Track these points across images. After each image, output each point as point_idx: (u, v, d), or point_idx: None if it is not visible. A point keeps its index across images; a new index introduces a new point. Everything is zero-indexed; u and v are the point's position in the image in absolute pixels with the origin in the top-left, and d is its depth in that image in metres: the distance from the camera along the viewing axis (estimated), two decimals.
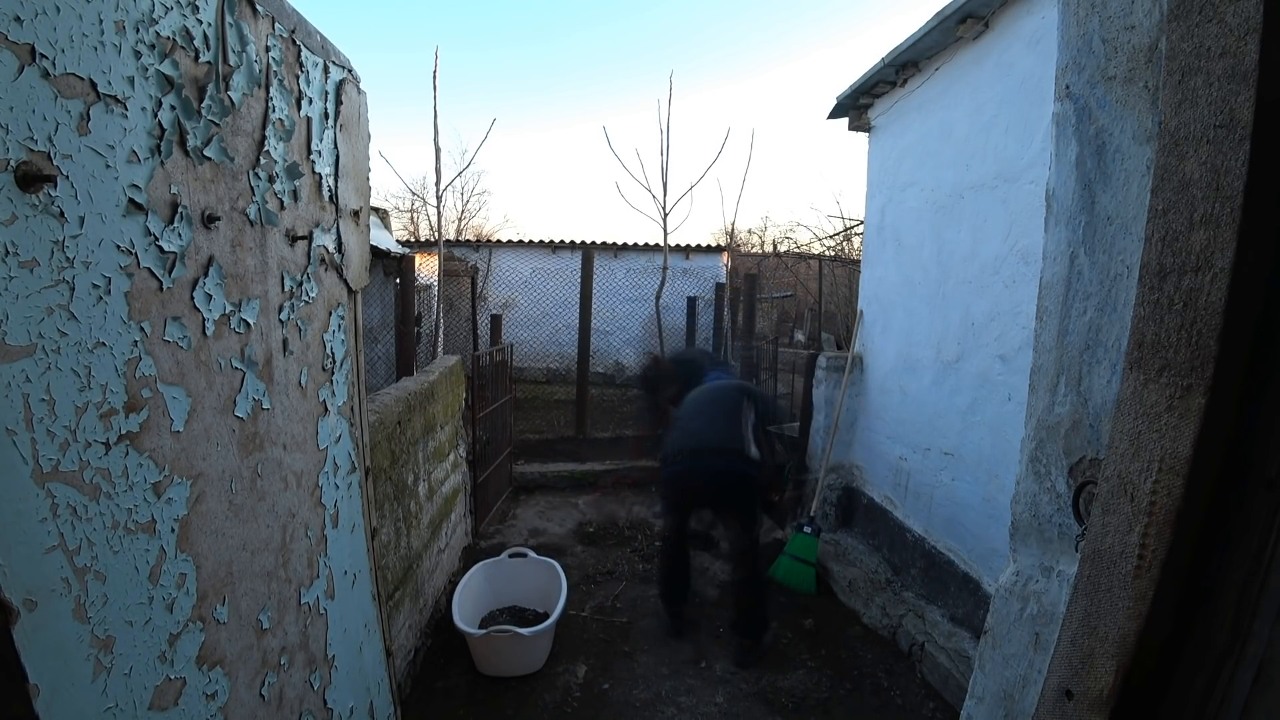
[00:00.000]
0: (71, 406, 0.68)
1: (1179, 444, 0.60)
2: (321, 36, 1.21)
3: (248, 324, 1.01)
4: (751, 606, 2.91)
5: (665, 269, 6.71)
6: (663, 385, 3.68)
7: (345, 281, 1.36)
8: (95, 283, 0.71)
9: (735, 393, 3.20)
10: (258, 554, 1.05)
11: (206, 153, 0.89)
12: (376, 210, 8.28)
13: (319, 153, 1.22)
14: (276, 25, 1.05)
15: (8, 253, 0.61)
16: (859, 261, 5.55)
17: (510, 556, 3.20)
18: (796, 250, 9.98)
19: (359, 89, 1.37)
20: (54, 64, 0.65)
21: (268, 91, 1.03)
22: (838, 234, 9.63)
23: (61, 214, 0.67)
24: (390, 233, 8.37)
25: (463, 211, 15.11)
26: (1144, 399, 0.64)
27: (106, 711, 0.73)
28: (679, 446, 2.98)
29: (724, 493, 2.95)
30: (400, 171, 30.28)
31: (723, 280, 8.54)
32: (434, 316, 6.67)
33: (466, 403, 3.91)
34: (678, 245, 9.35)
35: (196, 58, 0.86)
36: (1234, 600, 0.59)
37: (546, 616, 2.77)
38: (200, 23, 0.86)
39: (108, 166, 0.72)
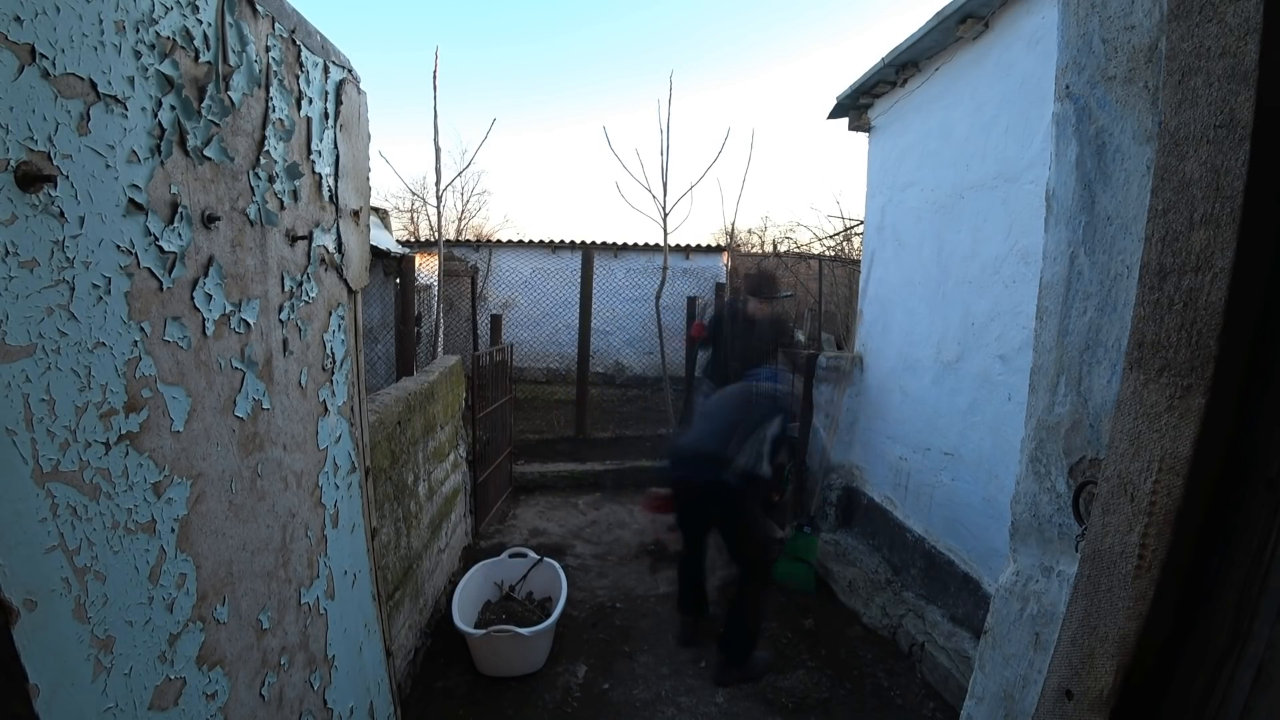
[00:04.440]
0: (71, 406, 0.68)
1: (1179, 444, 0.60)
2: (321, 36, 1.21)
3: (248, 324, 1.01)
4: (732, 624, 2.78)
5: (665, 269, 6.70)
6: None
7: (345, 281, 1.36)
8: (95, 283, 0.71)
9: (742, 394, 3.05)
10: (258, 554, 1.05)
11: (206, 153, 0.89)
12: (376, 210, 8.28)
13: (319, 153, 1.22)
14: (276, 25, 1.05)
15: (8, 253, 0.61)
16: (859, 261, 5.54)
17: (510, 556, 3.21)
18: (796, 250, 9.98)
19: (359, 89, 1.37)
20: (54, 64, 0.65)
21: (268, 91, 1.03)
22: (838, 234, 9.63)
23: (61, 214, 0.66)
24: (390, 233, 8.37)
25: (463, 211, 15.12)
26: (1144, 399, 0.64)
27: (106, 711, 0.73)
28: (670, 449, 2.99)
29: (707, 502, 2.83)
30: (400, 171, 30.31)
31: (723, 280, 8.53)
32: (434, 316, 6.67)
33: (466, 403, 3.91)
34: (678, 245, 9.34)
35: (196, 58, 0.86)
36: (1234, 600, 0.59)
37: (546, 615, 2.78)
38: (200, 23, 0.86)
39: (108, 166, 0.72)
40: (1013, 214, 2.60)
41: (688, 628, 3.03)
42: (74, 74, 0.67)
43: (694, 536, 3.03)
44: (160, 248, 0.81)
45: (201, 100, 0.87)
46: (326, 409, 1.29)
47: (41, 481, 0.65)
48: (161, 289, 0.81)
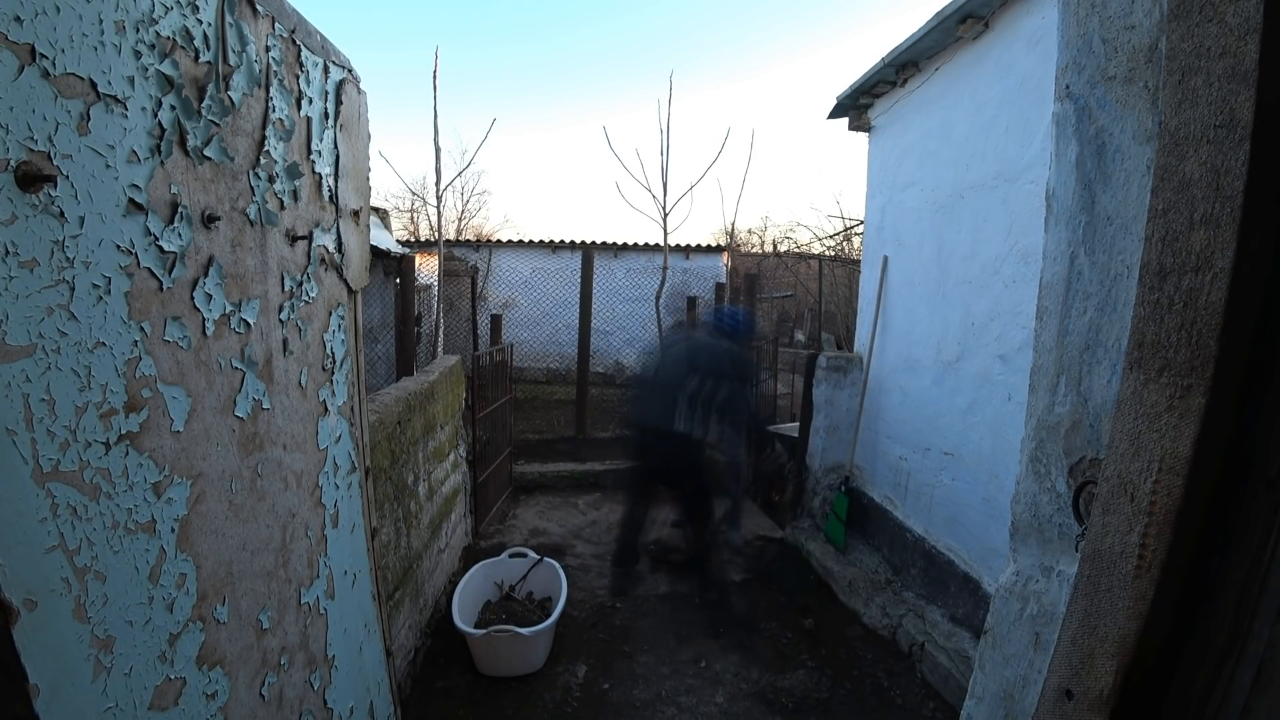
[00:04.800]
0: (71, 406, 0.68)
1: (1179, 444, 0.60)
2: (321, 36, 1.21)
3: (248, 324, 1.01)
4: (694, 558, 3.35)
5: (665, 269, 6.71)
6: None
7: (345, 281, 1.36)
8: (95, 283, 0.71)
9: (680, 361, 3.23)
10: (258, 554, 1.05)
11: (206, 153, 0.89)
12: (376, 210, 8.27)
13: (319, 153, 1.22)
14: (276, 25, 1.05)
15: (8, 253, 0.61)
16: (859, 261, 5.54)
17: (510, 556, 3.20)
18: (796, 250, 9.98)
19: (359, 89, 1.37)
20: (54, 64, 0.65)
21: (268, 91, 1.03)
22: (838, 234, 9.63)
23: (61, 214, 0.66)
24: (390, 233, 8.37)
25: (463, 211, 15.12)
26: (1144, 399, 0.64)
27: (106, 711, 0.73)
28: (634, 423, 3.36)
29: (665, 470, 3.24)
30: (400, 171, 30.30)
31: (723, 280, 8.54)
32: (434, 316, 6.67)
33: (466, 403, 3.91)
34: (678, 245, 9.35)
35: (196, 58, 0.86)
36: (1234, 600, 0.59)
37: (546, 615, 2.78)
38: (200, 23, 0.86)
39: (108, 166, 0.72)
40: (1013, 214, 2.60)
41: (625, 578, 3.44)
42: (74, 74, 0.67)
43: (637, 503, 3.44)
44: (160, 248, 0.81)
45: (201, 100, 0.87)
46: (326, 409, 1.29)
47: (41, 481, 0.65)
48: (161, 289, 0.81)
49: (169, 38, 0.80)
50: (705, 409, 3.08)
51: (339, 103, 1.28)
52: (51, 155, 0.65)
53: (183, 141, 0.84)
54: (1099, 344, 0.83)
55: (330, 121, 1.25)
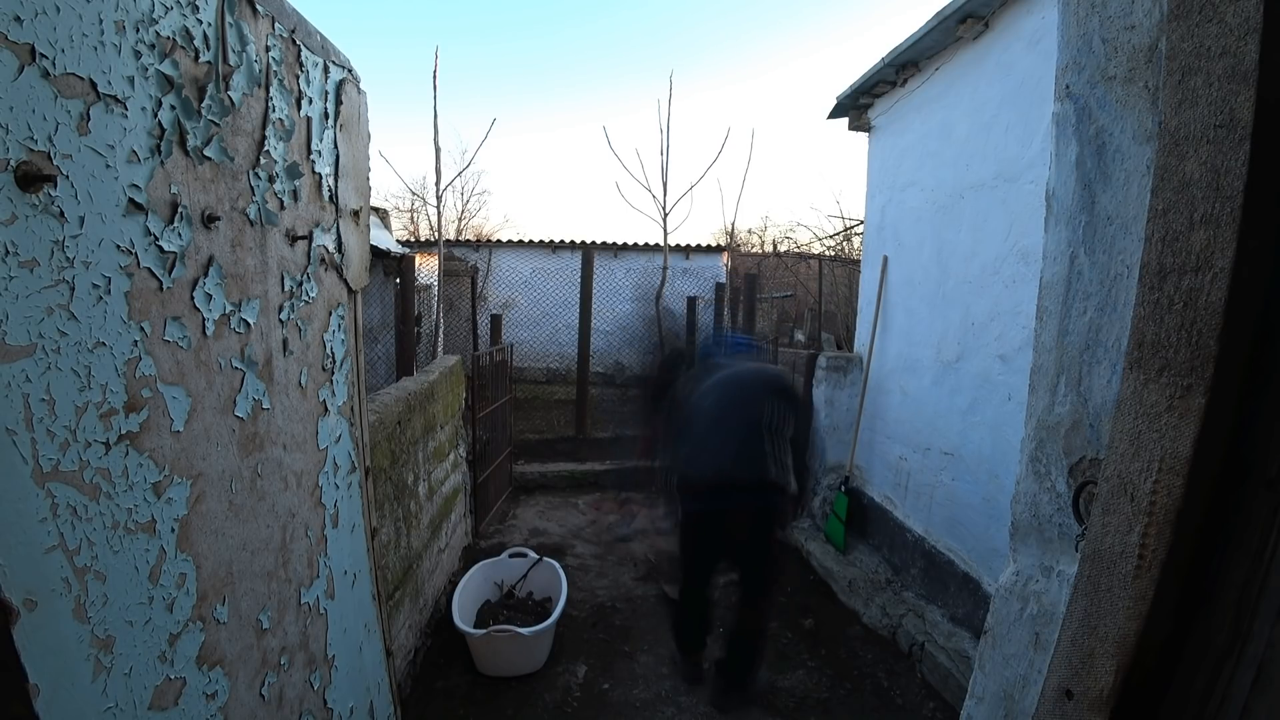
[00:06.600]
0: (71, 406, 0.68)
1: (1179, 444, 0.60)
2: (321, 36, 1.21)
3: (248, 324, 1.01)
4: (753, 652, 2.57)
5: (665, 269, 6.71)
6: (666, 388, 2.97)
7: (345, 281, 1.36)
8: (95, 283, 0.71)
9: (757, 393, 2.50)
10: (258, 554, 1.05)
11: (206, 153, 0.89)
12: (376, 210, 8.27)
13: (319, 153, 1.21)
14: (276, 25, 1.05)
15: (8, 253, 0.61)
16: (859, 261, 5.55)
17: (510, 556, 3.21)
18: (796, 250, 9.98)
19: (359, 89, 1.37)
20: (54, 64, 0.65)
21: (268, 91, 1.03)
22: (838, 234, 9.63)
23: (61, 214, 0.66)
24: (390, 233, 8.36)
25: (463, 211, 15.11)
26: (1144, 399, 0.64)
27: (106, 711, 0.73)
28: (697, 476, 2.44)
29: (750, 532, 2.48)
30: (400, 171, 30.28)
31: (723, 280, 8.53)
32: (434, 316, 6.67)
33: (466, 403, 3.91)
34: (678, 245, 9.35)
35: (196, 58, 0.86)
36: (1234, 600, 0.59)
37: (546, 615, 2.78)
38: (200, 23, 0.86)
39: (108, 166, 0.72)
40: (1013, 214, 2.61)
41: (698, 665, 2.70)
42: (74, 74, 0.67)
43: (708, 570, 2.65)
44: (160, 248, 0.81)
45: (201, 100, 0.87)
46: (326, 409, 1.29)
47: (41, 481, 0.65)
48: (161, 289, 0.81)
49: (169, 38, 0.80)
50: (782, 444, 2.46)
51: (339, 103, 1.28)
52: (51, 155, 0.65)
53: (183, 141, 0.84)
54: (1099, 344, 0.83)
55: (330, 121, 1.25)
